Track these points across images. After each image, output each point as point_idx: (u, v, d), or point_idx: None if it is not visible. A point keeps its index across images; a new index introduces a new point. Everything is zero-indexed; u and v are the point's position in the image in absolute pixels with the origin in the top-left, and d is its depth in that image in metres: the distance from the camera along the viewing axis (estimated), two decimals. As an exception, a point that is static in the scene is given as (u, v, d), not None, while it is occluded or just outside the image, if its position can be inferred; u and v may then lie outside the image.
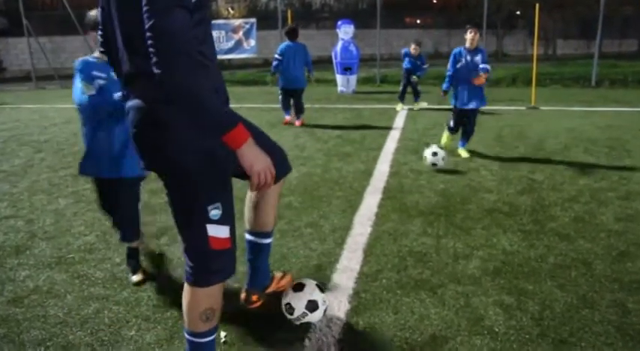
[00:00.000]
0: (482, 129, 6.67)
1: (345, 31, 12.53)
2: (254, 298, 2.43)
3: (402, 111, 9.37)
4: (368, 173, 5.12)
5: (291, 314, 2.33)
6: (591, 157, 5.60)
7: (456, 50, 5.64)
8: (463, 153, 5.71)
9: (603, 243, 3.31)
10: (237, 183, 1.93)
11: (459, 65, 5.57)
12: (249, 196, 2.24)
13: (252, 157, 1.63)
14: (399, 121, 8.26)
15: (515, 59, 22.40)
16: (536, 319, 2.44)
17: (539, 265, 3.03)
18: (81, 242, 3.51)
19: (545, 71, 14.48)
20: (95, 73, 2.70)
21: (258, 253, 2.32)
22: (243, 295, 2.43)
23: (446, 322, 2.43)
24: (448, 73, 5.69)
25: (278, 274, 2.56)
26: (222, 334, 2.34)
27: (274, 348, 2.29)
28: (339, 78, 12.84)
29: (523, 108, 9.39)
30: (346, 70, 12.57)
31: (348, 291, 2.75)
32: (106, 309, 2.62)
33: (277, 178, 2.11)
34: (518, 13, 27.03)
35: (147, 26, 1.46)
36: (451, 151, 5.67)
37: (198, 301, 1.83)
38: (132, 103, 1.70)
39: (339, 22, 12.76)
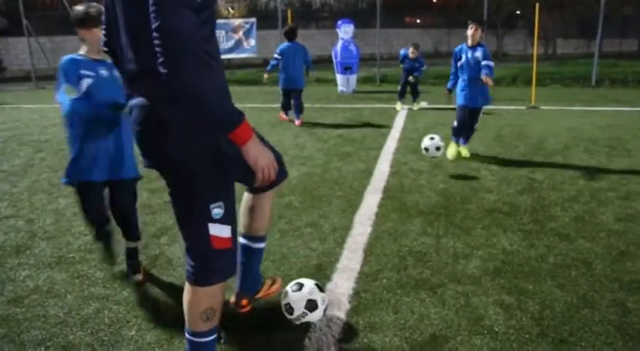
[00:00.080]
0: (483, 129, 6.67)
1: (345, 30, 12.53)
2: (244, 302, 2.43)
3: (402, 110, 9.37)
4: (368, 173, 5.12)
5: (291, 314, 2.33)
6: (591, 156, 5.60)
7: (456, 48, 5.56)
8: (464, 151, 5.64)
9: (603, 243, 3.31)
10: (236, 185, 1.93)
11: (460, 63, 5.46)
12: (245, 200, 2.24)
13: (257, 152, 1.65)
14: (399, 121, 8.26)
15: (515, 59, 22.41)
16: (536, 319, 2.44)
17: (539, 264, 3.03)
18: (81, 242, 3.51)
19: (546, 71, 14.49)
20: (83, 71, 2.64)
21: (250, 256, 2.32)
22: (233, 299, 2.43)
23: (446, 322, 2.44)
24: (452, 72, 5.61)
25: (268, 280, 2.57)
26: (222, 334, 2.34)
27: (274, 348, 2.29)
28: (339, 78, 12.84)
29: (523, 108, 9.39)
30: (346, 69, 12.57)
31: (348, 291, 2.75)
32: (106, 309, 2.62)
33: (273, 184, 2.14)
34: (518, 12, 27.01)
35: (154, 26, 1.47)
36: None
37: (199, 300, 1.83)
38: (136, 101, 1.71)
39: (339, 22, 12.77)
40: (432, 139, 5.08)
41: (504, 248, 3.26)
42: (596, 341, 2.26)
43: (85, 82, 2.63)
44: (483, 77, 5.10)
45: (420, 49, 9.56)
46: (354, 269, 3.01)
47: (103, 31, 1.86)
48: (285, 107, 8.43)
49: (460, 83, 5.51)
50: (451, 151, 5.52)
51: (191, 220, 1.79)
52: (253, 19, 15.73)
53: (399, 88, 9.65)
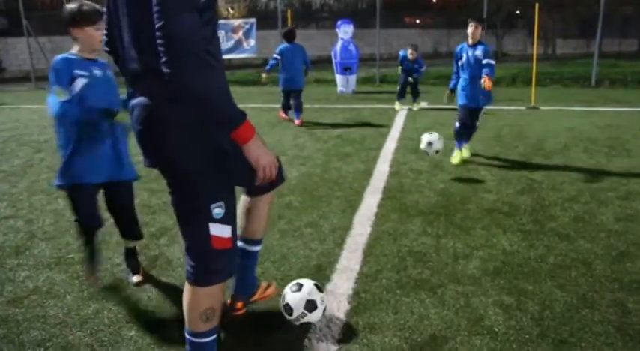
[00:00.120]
0: (482, 129, 6.65)
1: (345, 30, 12.53)
2: (239, 305, 2.44)
3: (401, 111, 9.37)
4: (368, 173, 5.12)
5: (290, 315, 2.33)
6: (591, 157, 5.60)
7: (457, 47, 5.47)
8: (465, 152, 5.53)
9: (603, 243, 3.31)
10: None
11: (460, 62, 5.36)
12: (242, 203, 2.24)
13: (259, 151, 1.65)
14: (399, 121, 8.26)
15: (514, 59, 22.41)
16: (536, 319, 2.44)
17: (539, 265, 3.03)
18: (81, 242, 3.50)
19: (545, 71, 14.49)
20: (77, 71, 2.56)
21: (246, 259, 2.33)
22: (228, 301, 2.43)
23: (446, 322, 2.43)
24: (453, 71, 5.54)
25: (263, 283, 2.58)
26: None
27: (274, 348, 2.29)
28: (338, 78, 12.84)
29: (523, 108, 9.40)
30: (346, 69, 12.58)
31: (348, 291, 2.75)
32: (106, 309, 2.62)
33: (271, 186, 2.16)
34: (517, 12, 27.02)
35: (157, 26, 1.48)
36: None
37: (199, 300, 1.83)
38: (137, 100, 1.71)
39: (339, 22, 12.77)
40: (430, 134, 5.01)
41: (504, 248, 3.26)
42: (596, 341, 2.26)
43: (80, 83, 2.56)
44: (482, 80, 4.98)
45: (419, 50, 9.58)
46: (354, 269, 3.01)
47: (105, 31, 1.87)
48: (286, 107, 8.48)
49: (461, 82, 5.41)
50: (455, 158, 5.38)
51: (192, 220, 1.79)
52: (253, 20, 15.73)
53: (399, 88, 9.66)
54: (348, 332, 2.38)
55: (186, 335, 1.90)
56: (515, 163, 5.40)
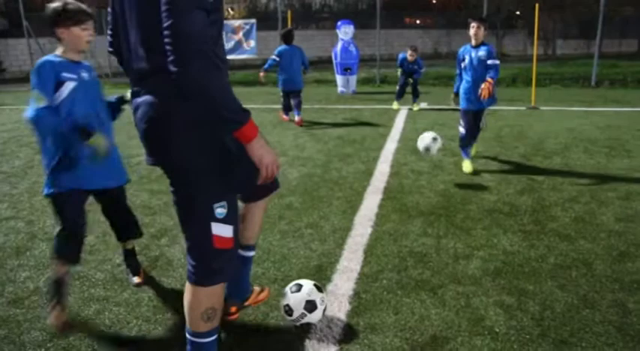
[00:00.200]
0: (483, 129, 6.66)
1: (345, 31, 12.53)
2: (233, 309, 2.45)
3: (401, 111, 9.37)
4: (368, 174, 5.12)
5: (290, 315, 2.33)
6: (591, 157, 5.60)
7: (460, 49, 5.28)
8: (472, 150, 5.34)
9: (604, 243, 3.31)
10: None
11: (463, 64, 5.15)
12: None
13: (262, 150, 1.66)
14: (399, 122, 8.26)
15: (515, 59, 22.41)
16: (536, 320, 2.44)
17: (539, 265, 3.03)
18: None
19: (545, 71, 14.48)
20: (65, 74, 2.40)
21: (240, 264, 2.33)
22: None
23: (446, 323, 2.43)
24: (457, 74, 5.34)
25: (257, 288, 2.59)
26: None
27: (275, 349, 2.29)
28: (339, 78, 12.84)
29: (523, 108, 9.39)
30: (346, 70, 12.57)
31: (349, 292, 2.75)
32: (107, 310, 2.62)
33: (266, 193, 2.21)
34: (518, 13, 27.02)
35: (165, 25, 1.49)
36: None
37: (200, 300, 1.83)
38: (143, 99, 1.72)
39: (339, 23, 12.76)
40: (431, 137, 4.78)
41: (505, 249, 3.26)
42: (596, 342, 2.26)
43: (68, 87, 2.41)
44: (481, 88, 4.72)
45: (419, 51, 9.59)
46: (355, 270, 3.01)
47: (109, 32, 1.88)
48: (286, 108, 8.53)
49: (463, 85, 5.17)
50: (468, 168, 5.07)
51: (194, 219, 1.79)
52: (253, 20, 15.73)
53: (398, 88, 9.69)
54: (348, 333, 2.38)
55: (187, 335, 1.90)
56: (516, 163, 5.40)
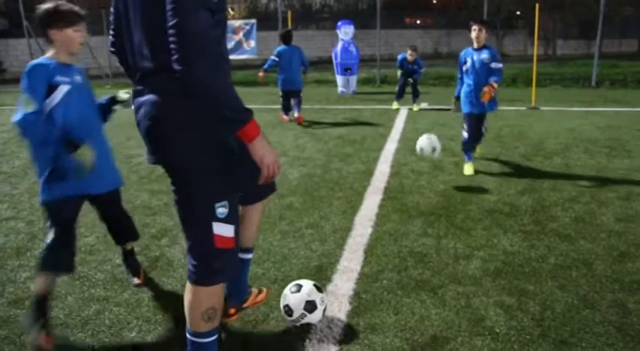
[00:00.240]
0: (483, 129, 6.67)
1: (345, 31, 12.53)
2: (231, 311, 2.45)
3: (401, 111, 9.37)
4: (368, 174, 5.12)
5: (290, 316, 2.33)
6: (591, 157, 5.60)
7: (462, 52, 5.16)
8: (477, 150, 5.32)
9: (604, 243, 3.31)
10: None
11: (465, 67, 5.04)
12: None
13: (263, 150, 1.66)
14: (400, 122, 8.26)
15: (515, 59, 22.39)
16: (537, 320, 2.44)
17: (539, 265, 3.03)
18: (81, 244, 3.50)
19: (546, 71, 14.49)
20: (59, 78, 2.34)
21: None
22: None
23: (446, 323, 2.43)
24: (459, 77, 5.19)
25: (255, 290, 2.59)
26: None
27: (275, 350, 2.29)
28: (339, 79, 12.84)
29: (523, 108, 9.39)
30: (346, 70, 12.58)
31: (349, 292, 2.75)
32: (107, 310, 2.62)
33: (262, 196, 2.23)
34: (518, 13, 27.03)
35: (170, 24, 1.50)
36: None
37: (200, 300, 1.83)
38: (145, 98, 1.72)
39: (339, 23, 12.77)
40: (428, 138, 4.78)
41: (505, 249, 3.26)
42: (597, 342, 2.26)
43: (62, 90, 2.34)
44: (483, 91, 4.66)
45: (419, 51, 9.60)
46: (355, 270, 3.01)
47: (112, 32, 1.88)
48: (286, 108, 8.55)
49: (465, 88, 5.05)
50: (469, 170, 5.02)
51: (195, 219, 1.79)
52: (253, 21, 15.74)
53: (397, 88, 9.70)
54: (348, 333, 2.38)
55: (188, 335, 1.90)
56: (516, 163, 5.40)
